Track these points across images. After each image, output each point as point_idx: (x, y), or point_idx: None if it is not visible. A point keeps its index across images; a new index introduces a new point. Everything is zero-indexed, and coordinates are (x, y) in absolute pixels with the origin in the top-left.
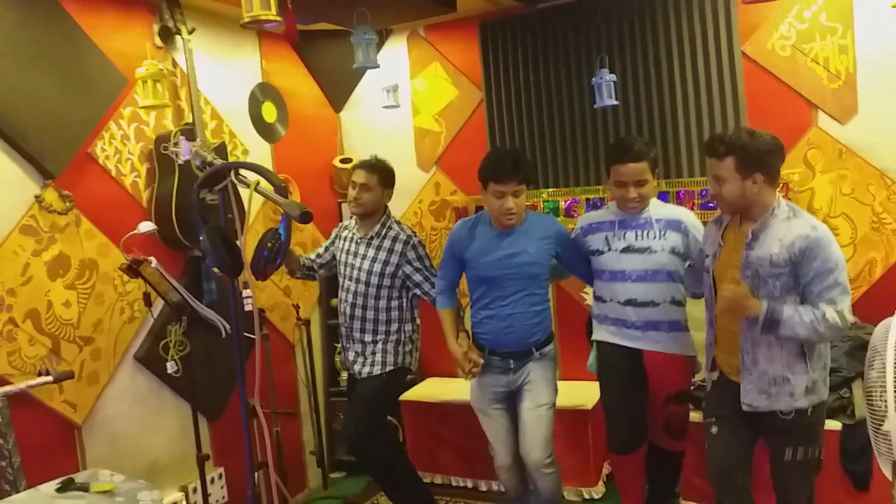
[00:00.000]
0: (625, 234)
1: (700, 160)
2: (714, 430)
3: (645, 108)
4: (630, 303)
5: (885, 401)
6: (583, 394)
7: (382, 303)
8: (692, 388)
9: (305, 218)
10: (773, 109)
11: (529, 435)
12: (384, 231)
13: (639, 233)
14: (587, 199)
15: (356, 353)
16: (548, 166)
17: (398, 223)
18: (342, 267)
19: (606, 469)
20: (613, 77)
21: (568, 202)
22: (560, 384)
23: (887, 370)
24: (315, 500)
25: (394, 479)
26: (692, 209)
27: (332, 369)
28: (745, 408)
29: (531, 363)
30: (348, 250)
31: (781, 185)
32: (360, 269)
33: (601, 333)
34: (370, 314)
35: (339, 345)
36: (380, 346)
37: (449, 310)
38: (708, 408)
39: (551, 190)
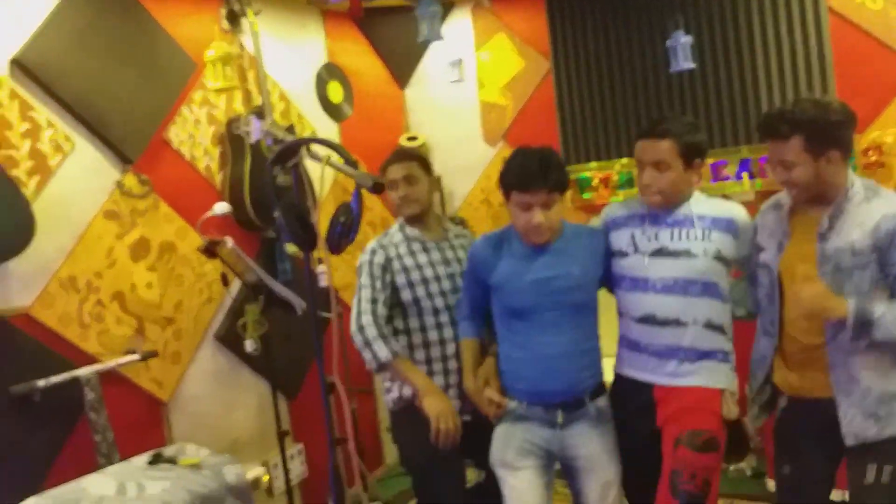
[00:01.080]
0: (657, 234)
1: None
2: (786, 469)
3: (724, 71)
4: (646, 320)
5: None
6: None
7: None
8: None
9: (378, 188)
10: (864, 68)
11: None
12: (450, 232)
13: (675, 232)
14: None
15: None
16: (620, 136)
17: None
18: (433, 284)
19: None
20: (689, 39)
21: None
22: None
23: None
24: (392, 477)
25: None
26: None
27: None
28: (849, 441)
29: (586, 425)
30: (431, 261)
31: (874, 148)
32: (459, 274)
33: (618, 361)
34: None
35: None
36: None
37: (472, 339)
38: (777, 443)
39: (625, 160)
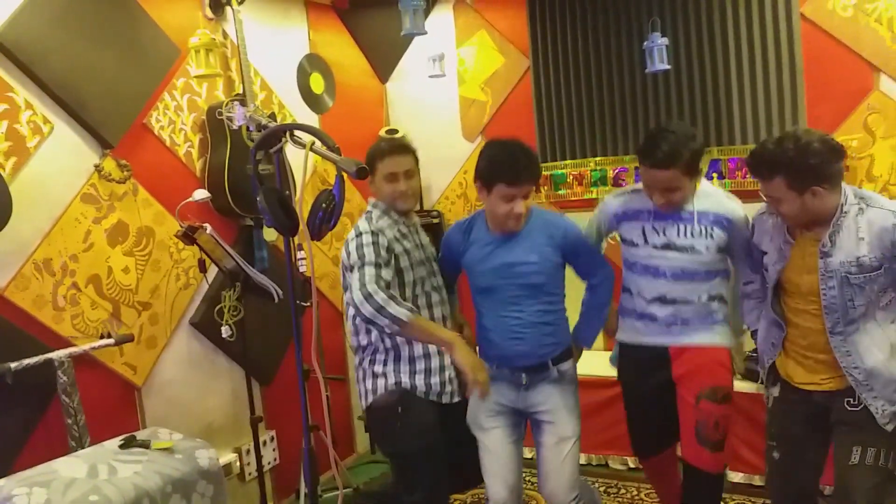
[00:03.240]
0: (665, 229)
1: (754, 127)
2: (776, 454)
3: (698, 73)
4: (659, 300)
5: None
6: None
7: None
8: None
9: (361, 173)
10: (833, 73)
11: (554, 475)
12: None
13: (681, 228)
14: (636, 168)
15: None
16: (595, 134)
17: None
18: (422, 268)
19: None
20: (665, 40)
21: (616, 171)
22: (597, 354)
23: None
24: (363, 465)
25: None
26: (745, 178)
27: None
28: (890, 427)
29: (549, 386)
30: (419, 244)
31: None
32: (434, 256)
33: (624, 332)
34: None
35: (431, 364)
36: None
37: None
38: (770, 429)
39: (599, 159)
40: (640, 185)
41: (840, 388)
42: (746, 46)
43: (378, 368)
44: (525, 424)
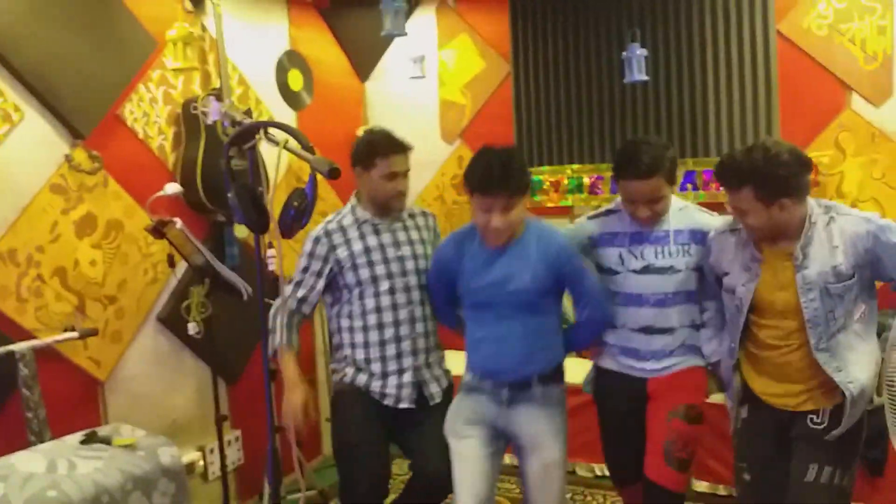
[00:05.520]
0: (642, 252)
1: (729, 139)
2: (747, 476)
3: (675, 85)
4: (645, 330)
5: None
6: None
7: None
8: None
9: (334, 174)
10: (806, 90)
11: (539, 501)
12: (409, 209)
13: (658, 249)
14: (613, 177)
15: (437, 364)
16: (573, 142)
17: None
18: (379, 267)
19: None
20: (644, 51)
21: (593, 178)
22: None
23: None
24: (329, 467)
25: None
26: (719, 190)
27: None
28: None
29: (534, 407)
30: (381, 244)
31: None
32: (414, 256)
33: (605, 360)
34: (428, 311)
35: (374, 380)
36: (438, 348)
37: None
38: (739, 450)
39: (576, 166)
40: (613, 206)
41: (801, 407)
42: (724, 61)
43: (335, 365)
44: (504, 444)
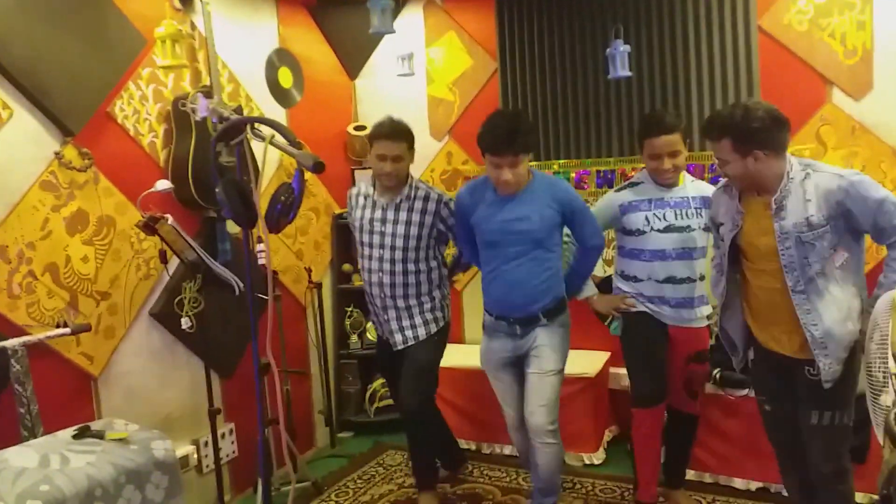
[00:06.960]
0: (664, 214)
1: None
2: (767, 407)
3: (658, 80)
4: (669, 280)
5: (884, 373)
6: (585, 362)
7: (423, 265)
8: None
9: (318, 168)
10: (787, 84)
11: (532, 399)
12: (413, 192)
13: (678, 212)
14: (598, 172)
15: (398, 320)
16: (559, 137)
17: (421, 181)
18: (365, 235)
19: (608, 436)
20: (628, 48)
21: (578, 174)
22: (574, 354)
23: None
24: (323, 459)
25: (442, 439)
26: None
27: (342, 332)
28: (828, 385)
29: (538, 329)
30: (372, 218)
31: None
32: (393, 234)
33: (637, 306)
34: (411, 278)
35: (371, 318)
36: (427, 306)
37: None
38: (755, 386)
39: (562, 161)
40: (635, 178)
41: (797, 354)
42: (706, 56)
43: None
44: (523, 361)
